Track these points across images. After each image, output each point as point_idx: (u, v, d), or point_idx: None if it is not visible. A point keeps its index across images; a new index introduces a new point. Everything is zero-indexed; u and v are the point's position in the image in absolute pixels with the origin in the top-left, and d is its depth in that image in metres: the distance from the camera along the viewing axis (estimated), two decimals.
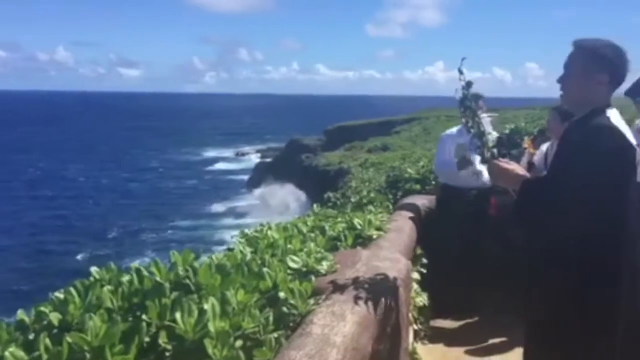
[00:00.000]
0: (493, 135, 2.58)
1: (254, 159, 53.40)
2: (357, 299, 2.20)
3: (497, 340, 4.22)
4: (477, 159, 3.76)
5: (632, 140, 2.28)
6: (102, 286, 2.03)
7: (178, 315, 1.80)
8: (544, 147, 4.56)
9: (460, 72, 2.46)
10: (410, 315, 3.51)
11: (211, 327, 1.81)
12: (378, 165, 12.89)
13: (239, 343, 1.79)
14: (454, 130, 4.86)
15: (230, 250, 2.85)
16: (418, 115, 40.66)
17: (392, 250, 3.02)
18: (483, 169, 4.49)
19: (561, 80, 2.43)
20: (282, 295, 2.15)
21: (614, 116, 2.30)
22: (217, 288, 2.08)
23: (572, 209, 2.19)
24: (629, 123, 2.88)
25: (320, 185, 21.73)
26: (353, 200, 5.61)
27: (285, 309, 2.09)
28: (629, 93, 4.08)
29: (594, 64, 2.32)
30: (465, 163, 4.38)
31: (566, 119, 3.62)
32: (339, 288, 2.30)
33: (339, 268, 2.59)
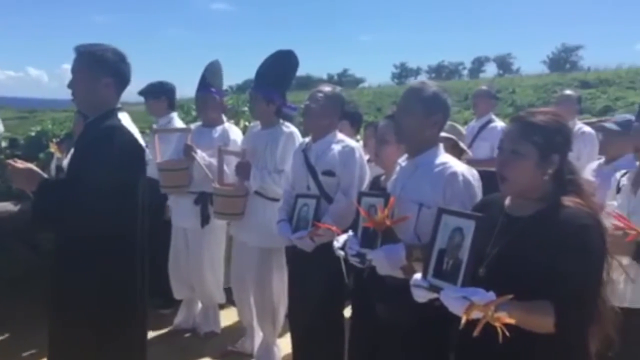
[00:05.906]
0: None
1: None
2: None
3: (30, 352, 4.04)
4: None
5: (141, 141, 2.52)
6: None
7: None
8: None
9: None
10: None
11: None
12: None
13: None
14: None
15: None
16: None
17: None
18: None
19: (71, 85, 2.50)
20: None
21: (125, 118, 2.49)
22: None
23: (91, 206, 2.25)
24: None
25: None
26: None
27: None
28: (141, 93, 4.54)
29: (97, 68, 2.44)
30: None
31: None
32: None
33: None
